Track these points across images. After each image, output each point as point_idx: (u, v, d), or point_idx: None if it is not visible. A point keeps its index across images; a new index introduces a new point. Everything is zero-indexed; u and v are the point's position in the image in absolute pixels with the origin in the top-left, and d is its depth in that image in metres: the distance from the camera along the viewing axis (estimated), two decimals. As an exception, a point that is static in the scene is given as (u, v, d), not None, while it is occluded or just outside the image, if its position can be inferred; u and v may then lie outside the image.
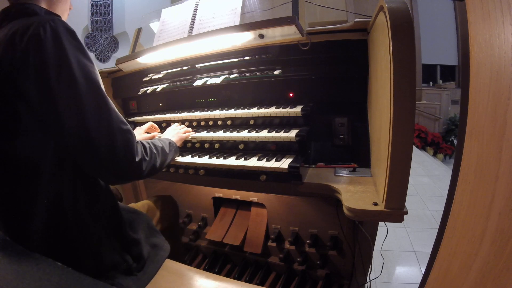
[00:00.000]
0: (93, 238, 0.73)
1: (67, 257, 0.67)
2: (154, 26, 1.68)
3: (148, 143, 0.85)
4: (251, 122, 1.27)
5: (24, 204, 0.66)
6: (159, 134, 1.30)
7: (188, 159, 1.18)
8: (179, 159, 1.18)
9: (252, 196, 1.46)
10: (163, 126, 1.46)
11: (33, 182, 0.66)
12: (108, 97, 0.69)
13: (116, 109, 0.71)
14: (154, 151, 0.85)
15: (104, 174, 0.71)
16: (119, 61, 1.58)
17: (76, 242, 0.70)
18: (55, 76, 0.62)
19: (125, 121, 0.72)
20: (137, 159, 0.72)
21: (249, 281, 1.40)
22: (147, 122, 1.39)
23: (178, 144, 1.13)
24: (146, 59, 1.48)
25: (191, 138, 1.26)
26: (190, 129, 1.30)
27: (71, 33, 0.66)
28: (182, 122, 1.41)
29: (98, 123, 0.66)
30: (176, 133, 1.19)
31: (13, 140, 0.65)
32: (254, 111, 1.21)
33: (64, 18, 0.83)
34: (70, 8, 0.88)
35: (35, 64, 0.61)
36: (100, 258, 0.73)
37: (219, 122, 1.32)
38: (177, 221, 1.34)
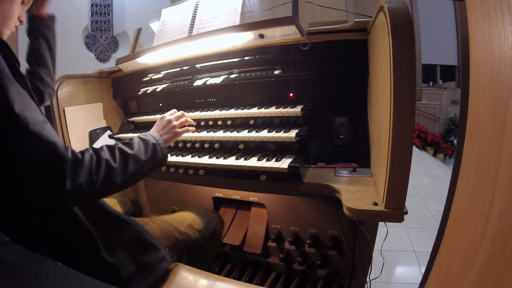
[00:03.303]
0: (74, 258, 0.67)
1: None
2: (154, 26, 1.68)
3: (110, 147, 0.68)
4: (251, 122, 1.26)
5: (19, 206, 0.66)
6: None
7: (188, 159, 1.18)
8: (179, 159, 1.18)
9: (252, 196, 1.46)
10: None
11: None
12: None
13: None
14: (117, 157, 0.67)
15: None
16: (119, 61, 1.58)
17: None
18: None
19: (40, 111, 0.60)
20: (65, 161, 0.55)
21: (249, 281, 1.40)
22: (147, 122, 1.39)
23: (171, 141, 0.94)
24: (146, 59, 1.48)
25: (191, 138, 1.25)
26: (190, 119, 1.06)
27: None
28: (182, 122, 1.40)
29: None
30: (170, 127, 0.95)
31: None
32: (254, 111, 1.21)
33: (6, 27, 0.73)
34: (20, 20, 0.76)
35: None
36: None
37: (219, 122, 1.32)
38: (215, 245, 1.19)
